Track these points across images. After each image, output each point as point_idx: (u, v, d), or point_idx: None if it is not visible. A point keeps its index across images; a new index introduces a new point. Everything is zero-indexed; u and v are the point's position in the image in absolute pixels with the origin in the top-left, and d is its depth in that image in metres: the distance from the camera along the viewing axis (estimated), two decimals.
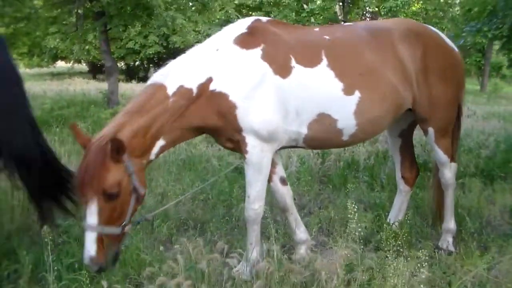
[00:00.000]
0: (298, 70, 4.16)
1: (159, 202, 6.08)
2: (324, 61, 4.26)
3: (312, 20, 32.92)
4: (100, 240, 3.55)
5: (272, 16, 34.42)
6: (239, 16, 35.15)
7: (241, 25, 4.36)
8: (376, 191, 6.79)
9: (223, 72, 4.06)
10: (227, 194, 6.42)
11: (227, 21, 30.59)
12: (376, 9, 34.22)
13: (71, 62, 40.34)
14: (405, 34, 4.62)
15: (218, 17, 27.67)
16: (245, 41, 4.19)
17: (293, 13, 33.61)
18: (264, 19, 4.50)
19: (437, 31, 5.06)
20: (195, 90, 3.99)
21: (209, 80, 4.03)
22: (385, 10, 28.86)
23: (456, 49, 5.00)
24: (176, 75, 4.04)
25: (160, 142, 3.96)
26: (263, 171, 4.21)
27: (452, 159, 5.09)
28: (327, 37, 4.46)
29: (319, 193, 6.80)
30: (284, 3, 32.63)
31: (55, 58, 37.37)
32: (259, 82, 4.05)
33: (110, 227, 3.59)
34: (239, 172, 7.24)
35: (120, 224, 3.65)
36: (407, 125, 5.22)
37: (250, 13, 38.63)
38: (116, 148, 3.48)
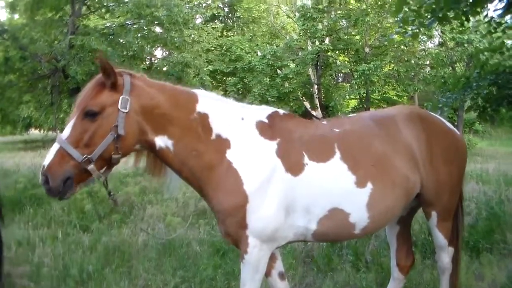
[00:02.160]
0: (311, 166, 4.09)
1: None
2: (337, 155, 4.19)
3: (286, 84, 33.31)
4: (60, 156, 3.53)
5: (246, 81, 34.86)
6: (213, 82, 35.67)
7: (262, 112, 4.34)
8: (362, 272, 6.62)
9: (241, 149, 4.02)
10: (210, 282, 6.19)
11: (202, 87, 30.81)
12: (349, 71, 34.82)
13: (45, 130, 40.07)
14: (409, 118, 4.62)
15: (193, 83, 27.86)
16: (264, 130, 4.16)
17: (268, 78, 33.99)
18: (281, 112, 4.46)
19: (438, 116, 5.07)
20: (214, 134, 4.01)
21: (227, 141, 4.03)
22: (358, 73, 29.34)
23: (458, 132, 5.01)
24: (207, 103, 4.08)
25: (166, 139, 3.90)
26: (259, 271, 4.06)
27: (450, 243, 4.99)
28: (337, 129, 4.41)
29: (304, 276, 6.61)
30: (258, 69, 32.99)
31: (28, 126, 37.12)
32: (269, 177, 3.96)
33: (74, 149, 3.53)
34: (222, 255, 7.05)
35: (86, 153, 3.55)
36: (406, 212, 5.10)
37: (224, 78, 39.14)
38: (103, 67, 3.57)
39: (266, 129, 4.17)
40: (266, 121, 4.24)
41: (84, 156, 3.55)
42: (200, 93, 4.19)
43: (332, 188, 4.13)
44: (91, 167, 3.58)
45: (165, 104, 3.88)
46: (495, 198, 9.79)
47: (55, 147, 3.56)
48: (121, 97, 3.65)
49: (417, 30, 6.78)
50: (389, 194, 4.29)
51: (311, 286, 6.29)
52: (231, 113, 4.19)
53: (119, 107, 3.63)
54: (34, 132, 43.32)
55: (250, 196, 3.90)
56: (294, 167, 4.04)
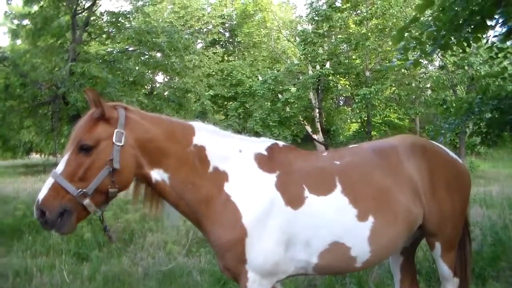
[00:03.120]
0: (311, 200, 4.00)
1: None
2: (338, 188, 4.12)
3: (288, 109, 33.35)
4: (55, 190, 3.45)
5: (247, 105, 34.92)
6: (214, 107, 35.72)
7: (261, 144, 4.28)
8: None
9: (239, 182, 3.96)
10: None
11: (203, 112, 30.98)
12: (350, 95, 34.89)
13: (46, 155, 40.02)
14: (411, 149, 4.55)
15: (194, 108, 27.92)
16: (263, 162, 4.09)
17: (269, 103, 34.06)
18: (281, 144, 4.40)
19: (441, 146, 5.00)
20: (211, 168, 3.96)
21: (225, 174, 3.97)
22: (359, 97, 29.37)
23: (461, 161, 4.94)
24: (204, 135, 4.04)
25: (162, 172, 3.84)
26: None
27: (456, 273, 4.86)
28: (337, 162, 4.34)
29: None
30: (259, 93, 33.07)
31: (29, 150, 37.15)
32: (269, 211, 3.88)
33: (69, 183, 3.46)
34: (223, 285, 6.93)
35: (81, 187, 3.48)
36: (410, 242, 5.00)
37: (225, 103, 39.21)
38: (92, 98, 3.56)
39: (265, 161, 4.10)
40: (265, 153, 4.18)
41: (80, 190, 3.48)
42: (196, 125, 4.14)
43: (333, 222, 4.04)
44: (86, 201, 3.51)
45: (160, 137, 3.84)
46: (500, 223, 9.69)
47: (50, 181, 3.49)
48: (115, 131, 3.61)
49: (419, 59, 6.72)
50: (391, 228, 4.21)
51: None
52: (229, 145, 4.13)
53: (114, 141, 3.58)
54: (35, 157, 43.35)
55: (249, 230, 3.82)
56: (294, 200, 3.97)
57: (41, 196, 3.45)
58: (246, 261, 3.84)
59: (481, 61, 24.28)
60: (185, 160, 3.89)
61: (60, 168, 3.53)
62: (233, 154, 4.07)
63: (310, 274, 4.28)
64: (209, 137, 4.07)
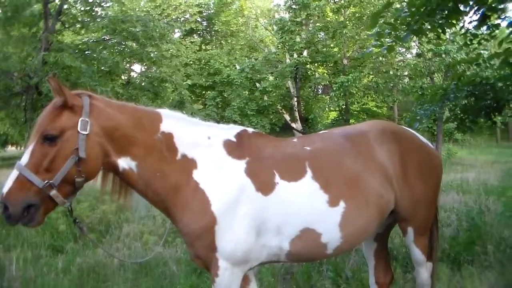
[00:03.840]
0: (282, 185, 3.97)
1: None
2: (309, 173, 4.09)
3: (266, 98, 33.29)
4: (20, 182, 3.37)
5: (225, 95, 34.80)
6: (192, 96, 35.51)
7: (230, 131, 4.23)
8: None
9: (208, 169, 3.91)
10: None
11: (181, 102, 30.80)
12: (328, 83, 34.93)
13: (21, 147, 39.47)
14: (381, 134, 4.55)
15: (171, 98, 27.73)
16: (232, 149, 4.05)
17: (247, 92, 33.96)
18: (250, 130, 4.36)
19: (412, 131, 5.00)
20: (179, 155, 3.90)
21: (193, 161, 3.91)
22: (337, 85, 29.39)
23: (432, 146, 4.96)
24: (171, 122, 3.98)
25: (129, 159, 3.78)
26: None
27: (429, 258, 4.91)
28: (307, 147, 4.31)
29: None
30: (237, 82, 32.94)
31: (5, 143, 36.63)
32: (238, 197, 3.84)
33: (34, 175, 3.38)
34: (199, 274, 6.89)
35: (47, 178, 3.41)
36: (383, 229, 5.00)
37: (203, 92, 39.03)
38: (55, 90, 3.52)
39: (234, 148, 4.06)
40: (234, 139, 4.14)
41: (46, 181, 3.40)
42: (164, 112, 4.08)
43: (304, 208, 4.02)
44: (53, 192, 3.43)
45: (126, 124, 3.77)
46: (476, 209, 9.81)
47: (14, 174, 3.40)
48: (80, 119, 3.54)
49: (393, 43, 6.71)
50: (362, 213, 4.20)
51: None
52: (197, 132, 4.07)
53: (78, 130, 3.51)
54: (11, 149, 42.78)
55: (218, 217, 3.78)
56: (264, 186, 3.93)
57: (5, 189, 3.37)
58: (217, 249, 3.80)
59: (457, 49, 24.42)
60: (153, 147, 3.83)
61: (24, 159, 3.44)
62: (201, 141, 4.02)
63: (283, 261, 4.27)
64: (177, 124, 4.02)
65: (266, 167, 4.03)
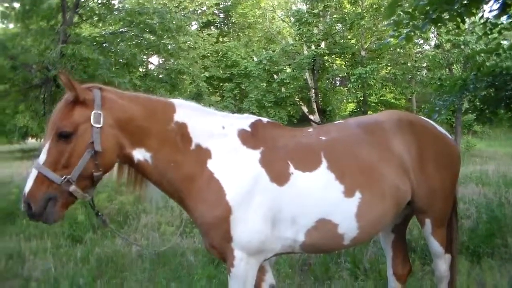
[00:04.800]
0: (296, 176, 3.95)
1: None
2: (324, 163, 4.06)
3: (283, 89, 33.24)
4: (39, 181, 3.41)
5: (242, 86, 34.77)
6: (209, 88, 35.51)
7: (244, 121, 4.20)
8: (360, 280, 6.49)
9: (223, 159, 3.91)
10: None
11: (198, 94, 30.86)
12: (346, 75, 34.76)
13: (41, 139, 39.76)
14: (398, 125, 4.49)
15: (188, 90, 27.77)
16: (247, 139, 4.03)
17: (264, 84, 33.92)
18: (265, 120, 4.33)
19: (430, 121, 4.94)
20: (193, 145, 3.89)
21: (208, 151, 3.91)
22: (354, 77, 29.24)
23: (450, 137, 4.88)
24: (185, 112, 3.97)
25: (144, 151, 3.78)
26: (247, 285, 3.91)
27: (447, 250, 4.86)
28: (323, 137, 4.28)
29: (300, 285, 6.47)
30: (254, 74, 32.90)
31: (25, 135, 36.96)
32: (253, 188, 3.82)
33: (52, 172, 3.42)
34: (216, 265, 6.91)
35: (65, 174, 3.44)
36: (400, 220, 4.96)
37: (221, 84, 39.03)
38: (66, 84, 3.49)
39: (249, 137, 4.04)
40: (249, 129, 4.12)
41: (64, 177, 3.43)
42: (177, 102, 4.07)
43: (319, 198, 3.99)
44: (72, 188, 3.46)
45: (140, 115, 3.77)
46: (495, 201, 9.71)
47: (34, 173, 3.44)
48: (93, 113, 3.54)
49: (411, 33, 6.62)
50: (378, 203, 4.16)
51: None
52: (211, 122, 4.06)
53: (92, 123, 3.52)
54: (31, 141, 43.20)
55: (233, 207, 3.77)
56: (279, 177, 3.91)
57: (26, 189, 3.41)
58: (232, 239, 3.80)
59: (476, 40, 24.13)
60: (167, 138, 3.83)
61: (42, 158, 3.47)
62: (216, 131, 4.01)
63: (298, 252, 4.25)
64: (191, 113, 4.01)
65: (281, 157, 4.01)
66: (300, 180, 3.95)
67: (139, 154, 3.78)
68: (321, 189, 4.00)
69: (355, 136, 4.36)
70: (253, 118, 4.30)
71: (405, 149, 4.37)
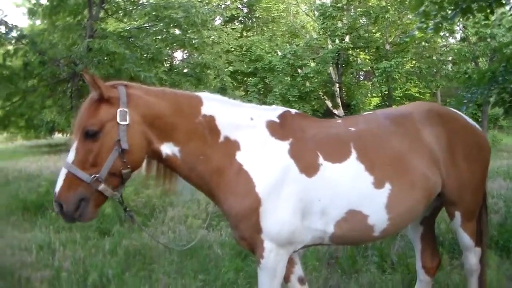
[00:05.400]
0: (326, 167, 3.94)
1: None
2: (353, 154, 4.05)
3: (307, 84, 33.19)
4: (69, 180, 3.42)
5: (267, 81, 34.81)
6: (233, 83, 35.58)
7: (272, 112, 4.20)
8: (387, 273, 6.46)
9: (251, 151, 3.90)
10: (232, 286, 6.08)
11: (223, 88, 30.96)
12: (370, 69, 34.59)
13: (69, 134, 40.20)
14: (427, 117, 4.45)
15: (213, 85, 27.84)
16: (276, 130, 4.02)
17: (288, 78, 33.91)
18: (293, 111, 4.31)
19: (458, 112, 4.90)
20: (222, 137, 3.90)
21: (236, 143, 3.91)
22: (379, 71, 29.09)
23: (479, 128, 4.85)
24: (213, 105, 3.96)
25: (171, 147, 3.78)
26: (277, 276, 3.92)
27: (477, 243, 4.82)
28: (352, 128, 4.27)
29: (327, 279, 6.46)
30: (278, 69, 32.92)
31: (52, 130, 37.43)
32: (283, 178, 3.82)
33: (81, 171, 3.42)
34: (244, 258, 6.93)
35: (93, 173, 3.44)
36: (429, 212, 4.93)
37: (245, 79, 39.11)
38: (90, 83, 3.47)
39: (277, 128, 4.02)
40: (277, 120, 4.10)
41: (93, 176, 3.44)
42: (204, 95, 4.06)
43: (349, 189, 3.98)
44: (102, 186, 3.47)
45: (167, 110, 3.76)
46: None
47: (63, 172, 3.46)
48: (118, 110, 3.53)
49: (440, 24, 6.55)
50: (408, 195, 4.13)
51: None
52: (239, 114, 4.04)
53: (118, 121, 3.52)
54: (58, 136, 43.74)
55: (263, 199, 3.77)
56: (308, 168, 3.90)
57: (57, 189, 3.44)
58: (262, 230, 3.80)
59: (504, 33, 23.79)
60: (195, 131, 3.82)
61: (70, 157, 3.48)
62: (244, 123, 3.99)
63: (327, 244, 4.22)
64: (218, 106, 3.99)
65: (310, 148, 3.99)
66: (329, 171, 3.94)
67: (168, 149, 3.77)
68: (351, 180, 3.98)
69: (383, 127, 4.33)
70: (281, 109, 4.28)
71: (435, 140, 4.33)
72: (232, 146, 3.91)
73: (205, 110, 3.92)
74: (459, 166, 4.42)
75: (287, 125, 4.08)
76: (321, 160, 3.96)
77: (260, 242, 3.84)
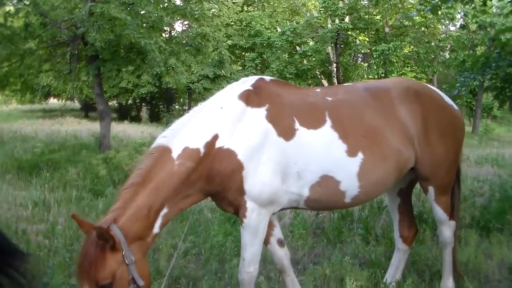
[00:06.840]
0: (301, 132, 4.13)
1: (150, 257, 5.93)
2: (328, 123, 4.23)
3: (305, 62, 33.19)
4: None
5: (264, 57, 34.76)
6: (231, 57, 35.49)
7: (246, 82, 4.35)
8: (371, 245, 6.67)
9: (229, 128, 4.01)
10: (220, 248, 6.29)
11: (220, 61, 30.95)
12: (368, 51, 34.57)
13: (64, 100, 40.13)
14: (405, 93, 4.62)
15: (211, 57, 27.79)
16: (250, 98, 4.16)
17: (286, 55, 33.89)
18: (268, 78, 4.48)
19: (436, 89, 5.05)
20: (202, 150, 3.92)
21: (215, 137, 3.98)
22: (377, 53, 29.12)
23: (456, 107, 4.99)
24: (181, 136, 3.95)
25: (164, 211, 3.80)
26: (259, 235, 4.12)
27: (451, 217, 5.03)
28: (329, 98, 4.44)
29: (313, 247, 6.67)
30: (277, 45, 32.87)
31: (47, 95, 37.20)
32: (262, 143, 4.01)
33: None
34: (233, 223, 7.12)
35: None
36: (406, 184, 5.14)
37: (243, 53, 39.01)
38: (104, 238, 3.34)
39: (252, 97, 4.17)
40: (251, 88, 4.24)
41: None
42: (169, 142, 3.95)
43: (323, 155, 4.17)
44: None
45: (151, 205, 3.72)
46: (510, 182, 9.76)
47: None
48: (123, 254, 3.46)
49: (437, 4, 6.66)
50: (380, 166, 4.33)
51: (320, 256, 6.35)
52: (204, 117, 4.10)
53: (127, 263, 3.47)
54: (53, 102, 43.57)
55: (244, 163, 3.95)
56: (285, 132, 4.09)
57: None
58: (245, 192, 3.99)
59: (503, 22, 23.84)
60: (178, 177, 3.84)
61: None
62: (214, 119, 4.08)
63: (302, 207, 4.42)
64: (184, 136, 3.98)
65: (286, 113, 4.17)
66: (304, 136, 4.13)
67: (159, 221, 3.81)
68: (325, 146, 4.18)
69: (361, 99, 4.52)
70: (253, 78, 4.43)
71: (410, 117, 4.51)
72: (212, 143, 3.97)
73: (175, 153, 3.88)
74: (433, 143, 4.60)
75: (261, 92, 4.24)
76: (297, 125, 4.15)
77: (243, 203, 4.03)
